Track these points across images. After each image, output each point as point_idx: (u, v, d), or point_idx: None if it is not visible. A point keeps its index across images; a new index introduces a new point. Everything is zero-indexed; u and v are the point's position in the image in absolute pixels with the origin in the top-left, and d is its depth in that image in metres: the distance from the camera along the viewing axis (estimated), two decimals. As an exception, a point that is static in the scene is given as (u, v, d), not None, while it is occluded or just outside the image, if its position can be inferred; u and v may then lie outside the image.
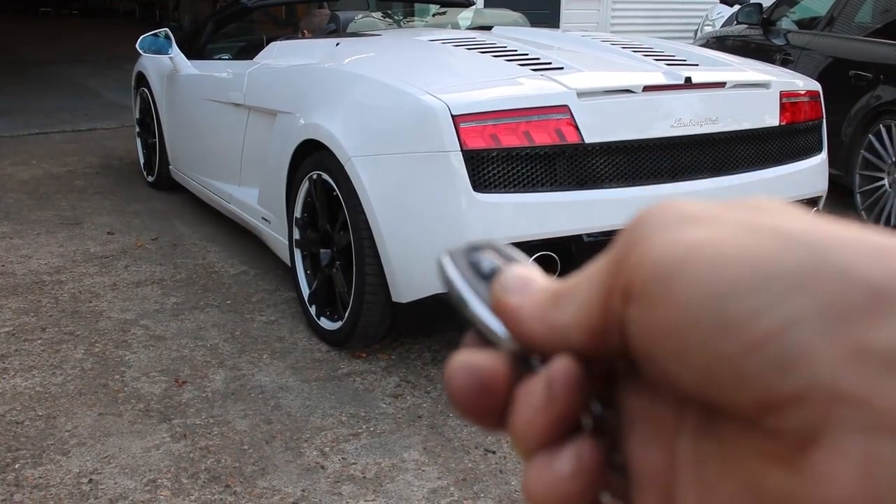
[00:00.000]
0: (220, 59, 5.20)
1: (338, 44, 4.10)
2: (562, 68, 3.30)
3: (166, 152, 5.55)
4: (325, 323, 3.54)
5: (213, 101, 4.68)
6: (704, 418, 0.30)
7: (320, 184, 3.44)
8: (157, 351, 3.46)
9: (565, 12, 10.50)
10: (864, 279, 0.26)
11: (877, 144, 5.32)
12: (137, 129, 6.12)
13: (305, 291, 3.69)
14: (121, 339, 3.55)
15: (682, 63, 3.55)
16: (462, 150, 2.91)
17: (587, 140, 3.03)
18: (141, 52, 5.22)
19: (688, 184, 3.22)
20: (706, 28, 10.04)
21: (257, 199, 4.16)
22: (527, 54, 3.52)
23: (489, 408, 0.34)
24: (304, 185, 3.57)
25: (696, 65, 3.57)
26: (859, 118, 5.46)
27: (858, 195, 5.48)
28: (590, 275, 0.32)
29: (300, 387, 3.20)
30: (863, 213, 5.41)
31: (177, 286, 4.14)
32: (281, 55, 4.30)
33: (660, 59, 3.57)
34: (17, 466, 2.68)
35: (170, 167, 5.55)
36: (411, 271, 3.08)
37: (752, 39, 6.90)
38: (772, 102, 3.51)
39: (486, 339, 0.35)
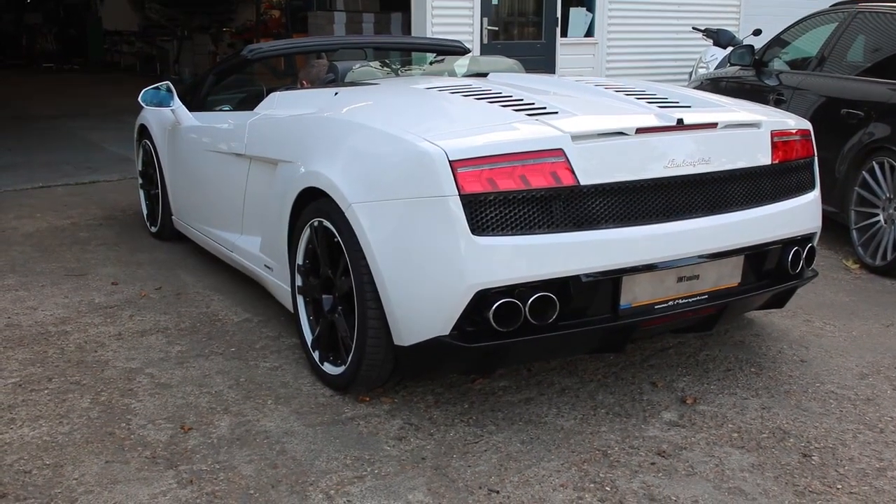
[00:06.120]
0: (221, 110, 5.26)
1: (336, 93, 4.15)
2: (556, 113, 3.36)
3: (169, 203, 5.61)
4: (328, 368, 3.58)
5: (214, 151, 4.75)
6: None
7: (322, 230, 3.50)
8: (162, 398, 3.49)
9: (561, 57, 10.63)
10: None
11: (870, 181, 5.38)
12: (140, 181, 6.19)
13: (308, 337, 3.72)
14: (126, 388, 3.58)
15: (675, 105, 3.61)
16: (460, 195, 2.96)
17: (582, 182, 3.09)
18: (143, 104, 5.29)
19: (682, 223, 3.26)
20: (700, 70, 10.15)
21: (259, 247, 4.21)
22: (522, 100, 3.58)
23: None
24: (306, 233, 3.62)
25: (688, 106, 3.62)
26: (852, 155, 5.53)
27: (854, 231, 5.53)
28: None
29: (305, 431, 3.22)
30: (859, 248, 5.46)
31: (181, 335, 4.18)
32: (281, 105, 4.36)
33: (652, 101, 3.62)
34: (25, 515, 2.71)
35: (172, 218, 5.61)
36: (412, 315, 3.12)
37: (746, 81, 7.00)
38: (763, 142, 3.57)
39: None
